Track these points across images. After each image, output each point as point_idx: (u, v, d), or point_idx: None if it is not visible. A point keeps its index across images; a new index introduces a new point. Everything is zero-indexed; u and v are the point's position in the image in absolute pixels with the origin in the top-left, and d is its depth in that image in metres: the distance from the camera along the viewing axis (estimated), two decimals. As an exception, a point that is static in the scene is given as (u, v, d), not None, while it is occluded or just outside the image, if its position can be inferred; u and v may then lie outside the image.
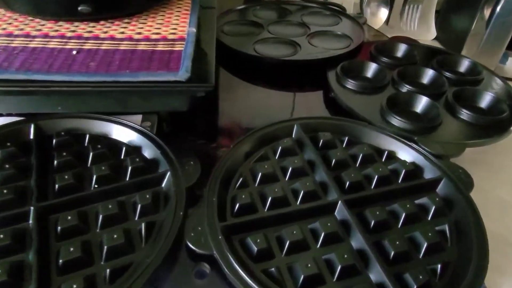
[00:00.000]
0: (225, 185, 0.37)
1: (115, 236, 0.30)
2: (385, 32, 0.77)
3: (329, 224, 0.33)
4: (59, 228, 0.31)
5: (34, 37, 0.42)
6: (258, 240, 0.31)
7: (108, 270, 0.28)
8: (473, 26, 0.77)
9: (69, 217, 0.31)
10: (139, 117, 0.44)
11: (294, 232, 0.32)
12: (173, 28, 0.46)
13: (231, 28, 0.63)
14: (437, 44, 0.81)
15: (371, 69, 0.53)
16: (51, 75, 0.37)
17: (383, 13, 0.76)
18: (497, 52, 0.77)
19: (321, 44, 0.59)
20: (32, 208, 0.31)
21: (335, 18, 0.68)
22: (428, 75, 0.52)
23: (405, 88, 0.50)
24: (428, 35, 0.81)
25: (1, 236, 0.29)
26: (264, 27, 0.63)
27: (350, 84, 0.51)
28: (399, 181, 0.38)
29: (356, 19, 0.66)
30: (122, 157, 0.38)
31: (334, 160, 0.39)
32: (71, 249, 0.29)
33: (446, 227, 0.34)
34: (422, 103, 0.47)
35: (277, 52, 0.56)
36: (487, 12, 0.77)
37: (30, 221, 0.31)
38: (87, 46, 0.41)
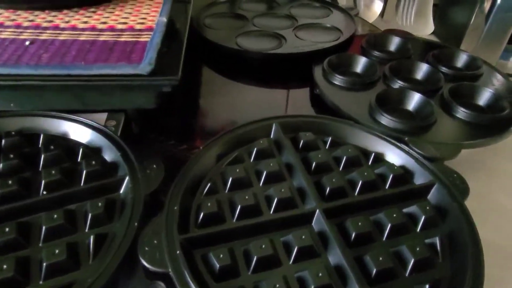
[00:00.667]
0: (191, 191, 0.33)
1: (56, 251, 0.26)
2: (379, 26, 0.73)
3: (303, 237, 0.29)
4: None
5: (-14, 27, 0.39)
6: (221, 255, 0.27)
7: (44, 292, 0.24)
8: (472, 21, 0.73)
9: (7, 229, 0.27)
10: (103, 116, 0.40)
11: (263, 246, 0.28)
12: (142, 18, 0.42)
13: (214, 21, 0.59)
14: (434, 39, 0.77)
15: (361, 63, 0.49)
16: (-4, 68, 0.33)
17: (378, 6, 0.72)
18: (498, 48, 0.73)
19: (309, 37, 0.55)
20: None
21: (325, 10, 0.64)
22: (422, 70, 0.48)
23: (397, 84, 0.46)
24: (425, 29, 0.77)
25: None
26: (249, 19, 0.59)
27: (337, 79, 0.47)
28: (386, 187, 0.34)
29: (348, 11, 0.62)
30: (78, 159, 0.35)
31: (314, 163, 0.35)
32: (4, 266, 0.25)
33: (437, 240, 0.30)
34: (414, 100, 0.43)
35: (260, 46, 0.52)
36: (487, 6, 0.73)
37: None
38: (43, 37, 0.38)
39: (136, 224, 0.29)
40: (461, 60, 0.52)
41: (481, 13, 0.73)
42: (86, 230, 0.29)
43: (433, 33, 0.78)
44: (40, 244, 0.28)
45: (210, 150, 0.36)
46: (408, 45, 0.54)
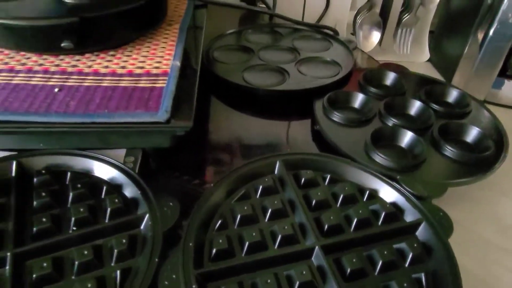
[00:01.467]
0: (204, 226, 0.37)
1: (88, 285, 0.30)
2: (377, 54, 0.77)
3: (304, 272, 0.32)
4: (34, 276, 0.31)
5: (18, 72, 0.43)
6: (232, 290, 0.31)
7: (79, 323, 0.28)
8: (466, 49, 0.76)
9: (44, 264, 0.31)
10: (122, 152, 0.44)
11: (269, 280, 0.32)
12: (157, 62, 0.46)
13: (222, 54, 0.63)
14: (430, 66, 0.80)
15: (358, 100, 0.53)
16: (28, 116, 0.37)
17: (376, 36, 0.76)
18: (490, 76, 0.76)
19: (310, 72, 0.59)
20: (8, 254, 0.32)
21: (326, 43, 0.68)
22: (415, 107, 0.52)
23: (391, 121, 0.50)
24: (421, 56, 0.81)
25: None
26: (255, 52, 0.63)
27: (336, 116, 0.50)
28: (379, 223, 0.38)
29: (347, 44, 0.66)
30: (102, 196, 0.38)
31: (314, 201, 0.39)
32: (43, 300, 0.29)
33: (423, 276, 0.33)
34: (407, 138, 0.47)
35: (265, 81, 0.56)
36: (480, 36, 0.77)
37: (7, 267, 0.31)
38: (70, 83, 0.42)
39: (156, 260, 0.32)
40: (452, 96, 0.56)
41: (475, 43, 0.76)
42: (112, 264, 0.33)
43: (428, 60, 0.82)
44: (73, 277, 0.32)
45: (220, 187, 0.40)
46: (402, 80, 0.58)
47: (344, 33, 0.81)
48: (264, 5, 0.78)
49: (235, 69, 0.58)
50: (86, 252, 0.32)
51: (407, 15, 0.76)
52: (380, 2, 0.76)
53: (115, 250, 0.33)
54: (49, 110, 0.38)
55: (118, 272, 0.32)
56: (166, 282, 0.31)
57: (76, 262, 0.32)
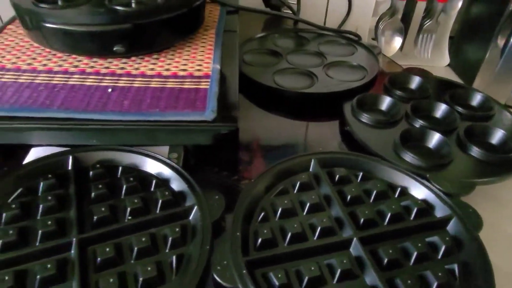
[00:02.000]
0: (247, 219, 0.39)
1: (149, 268, 0.33)
2: (399, 59, 0.79)
3: (344, 261, 0.35)
4: (98, 259, 0.34)
5: (72, 73, 0.46)
6: (279, 275, 0.34)
7: (144, 301, 0.31)
8: (488, 55, 0.78)
9: (107, 249, 0.34)
10: (166, 149, 0.47)
11: (312, 268, 0.34)
12: (198, 65, 0.49)
13: (252, 58, 0.66)
14: (450, 71, 0.83)
15: (385, 102, 0.56)
16: (88, 114, 0.40)
17: (398, 41, 0.79)
18: (511, 81, 0.78)
19: (337, 76, 0.61)
20: (74, 239, 0.35)
21: (351, 48, 0.71)
22: (440, 109, 0.55)
23: (418, 123, 0.52)
24: (441, 61, 0.83)
25: (48, 266, 0.32)
26: (283, 56, 0.66)
27: (365, 118, 0.53)
28: (411, 218, 0.40)
29: (371, 49, 0.69)
30: (152, 189, 0.41)
31: (349, 196, 0.42)
32: (110, 280, 0.32)
33: (456, 267, 0.36)
34: (434, 139, 0.49)
35: (295, 84, 0.59)
36: (501, 41, 0.78)
37: (72, 252, 0.34)
38: (121, 84, 0.45)
39: (207, 247, 0.35)
40: (476, 100, 0.58)
41: (496, 48, 0.78)
42: (167, 251, 0.36)
43: (448, 65, 0.84)
44: (132, 262, 0.35)
45: (260, 182, 0.43)
46: (427, 84, 0.60)
47: (366, 38, 0.83)
48: (290, 11, 0.81)
49: (266, 72, 0.61)
50: (144, 239, 0.35)
51: (429, 21, 0.78)
52: (402, 9, 0.78)
53: (170, 238, 0.36)
54: (105, 108, 0.41)
55: (174, 257, 0.34)
56: (219, 267, 0.34)
57: (136, 248, 0.35)
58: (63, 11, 0.43)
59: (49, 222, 0.36)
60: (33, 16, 0.44)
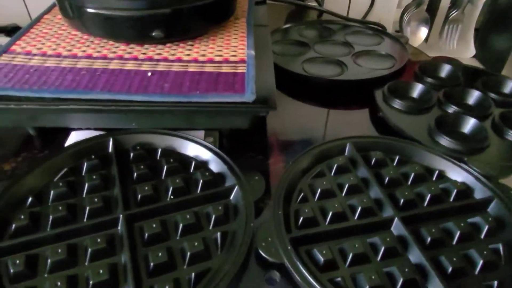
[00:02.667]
0: (286, 200, 0.40)
1: (195, 243, 0.34)
2: (424, 50, 0.79)
3: (388, 239, 0.35)
4: (146, 234, 0.34)
5: (111, 59, 0.47)
6: (324, 252, 0.34)
7: (193, 274, 0.32)
8: (514, 45, 0.77)
9: (154, 225, 0.35)
10: (202, 133, 0.47)
11: (356, 245, 0.34)
12: (233, 51, 0.50)
13: (280, 48, 0.66)
14: (475, 62, 0.82)
15: (417, 89, 0.56)
16: (131, 96, 0.41)
17: (423, 32, 0.78)
18: (539, 71, 0.77)
19: (366, 64, 0.61)
20: (121, 215, 0.35)
21: (378, 38, 0.71)
22: (474, 96, 0.54)
23: (452, 109, 0.52)
24: (467, 53, 0.83)
25: (98, 240, 0.33)
26: (311, 46, 0.66)
27: (398, 104, 0.53)
28: (451, 200, 0.40)
29: (399, 39, 0.69)
30: (191, 170, 0.42)
31: (387, 178, 0.42)
32: (159, 254, 0.32)
33: (500, 246, 0.35)
34: (470, 124, 0.49)
35: (325, 72, 0.59)
36: (528, 32, 0.78)
37: (119, 228, 0.35)
38: (160, 68, 0.45)
39: (252, 224, 0.36)
40: (509, 87, 0.57)
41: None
42: (210, 228, 0.36)
43: (474, 56, 0.83)
44: (177, 238, 0.35)
45: (297, 165, 0.43)
46: (458, 72, 0.60)
47: (390, 30, 0.83)
48: (316, 3, 0.81)
49: (295, 61, 0.61)
50: (188, 216, 0.36)
51: (455, 12, 0.77)
52: (428, -1, 0.78)
53: (213, 216, 0.36)
54: (147, 91, 0.42)
55: (219, 234, 0.35)
56: (263, 244, 0.34)
57: (181, 225, 0.35)
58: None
59: (96, 200, 0.37)
60: (75, 2, 0.45)
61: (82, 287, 0.31)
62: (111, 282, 0.31)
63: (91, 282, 0.30)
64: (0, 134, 0.48)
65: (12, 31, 0.80)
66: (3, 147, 0.46)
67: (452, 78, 0.59)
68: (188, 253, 0.33)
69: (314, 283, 0.31)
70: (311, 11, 0.85)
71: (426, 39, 0.81)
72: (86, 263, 0.32)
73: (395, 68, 0.60)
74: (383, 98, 0.55)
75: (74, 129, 0.47)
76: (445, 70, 0.61)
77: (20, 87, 0.41)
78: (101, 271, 0.31)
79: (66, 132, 0.46)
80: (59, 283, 0.30)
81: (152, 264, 0.32)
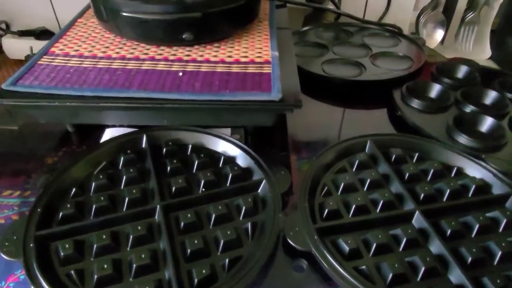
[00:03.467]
0: (311, 193, 0.42)
1: (228, 232, 0.36)
2: (440, 51, 0.80)
3: (409, 231, 0.37)
4: (182, 223, 0.37)
5: (144, 60, 0.50)
6: (349, 241, 0.36)
7: (227, 260, 0.34)
8: (530, 47, 0.78)
9: (189, 215, 0.37)
10: (228, 130, 0.50)
11: (379, 236, 0.36)
12: (258, 52, 0.52)
13: (299, 49, 0.68)
14: (491, 63, 0.83)
15: (435, 89, 0.57)
16: (165, 94, 0.44)
17: (439, 34, 0.80)
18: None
19: (384, 65, 0.63)
20: (158, 206, 0.38)
21: (395, 40, 0.72)
22: (491, 96, 0.56)
23: (469, 108, 0.53)
24: (483, 54, 0.84)
25: (139, 227, 0.36)
26: (329, 48, 0.68)
27: (416, 103, 0.55)
28: (470, 195, 0.42)
29: (415, 41, 0.70)
30: (220, 165, 0.44)
31: (407, 174, 0.44)
32: (195, 241, 0.35)
33: (518, 239, 0.37)
34: (487, 123, 0.50)
35: (344, 73, 0.61)
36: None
37: (156, 217, 0.38)
38: (189, 68, 0.48)
39: (280, 215, 0.38)
40: (525, 87, 0.59)
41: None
42: (241, 219, 0.39)
43: (490, 58, 0.84)
44: (211, 227, 0.38)
45: (321, 160, 0.45)
46: (475, 73, 0.61)
47: (406, 31, 0.85)
48: (332, 5, 0.83)
49: (314, 63, 0.63)
50: (220, 207, 0.38)
51: (471, 14, 0.79)
52: (444, 1, 0.79)
53: (243, 208, 0.39)
54: (179, 89, 0.44)
55: (249, 224, 0.37)
56: (291, 233, 0.37)
57: (213, 215, 0.38)
58: (138, 1, 0.46)
59: (134, 191, 0.39)
60: (110, 6, 0.48)
61: (125, 270, 0.33)
62: (153, 266, 0.33)
63: (134, 265, 0.33)
64: (41, 131, 0.51)
65: (41, 34, 0.84)
66: (45, 143, 0.49)
67: (469, 79, 0.61)
68: (222, 241, 0.35)
69: (341, 270, 0.33)
70: (328, 14, 0.87)
71: (442, 41, 0.82)
72: (128, 249, 0.35)
73: (413, 69, 0.62)
74: (401, 98, 0.56)
75: (108, 126, 0.49)
76: (462, 70, 0.62)
77: (63, 85, 0.44)
78: (143, 255, 0.33)
79: (101, 128, 0.49)
80: (105, 266, 0.33)
81: (189, 250, 0.34)
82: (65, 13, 0.89)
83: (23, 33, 0.84)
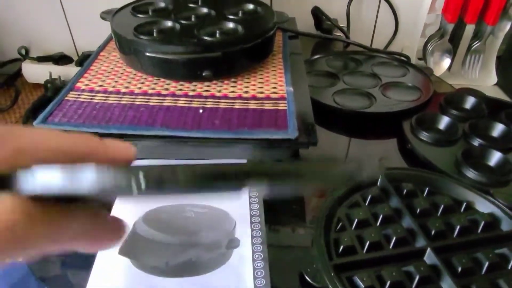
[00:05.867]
0: (326, 227, 0.44)
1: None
2: (446, 78, 0.82)
3: (422, 268, 0.39)
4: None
5: (165, 96, 0.52)
6: (364, 279, 0.38)
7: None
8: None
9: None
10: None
11: (394, 273, 0.38)
12: (273, 87, 0.55)
13: (310, 79, 0.71)
14: (497, 90, 0.85)
15: (443, 121, 0.59)
16: (187, 132, 0.46)
17: (446, 62, 0.82)
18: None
19: (394, 96, 0.65)
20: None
21: (403, 69, 0.75)
22: (498, 129, 0.58)
23: (477, 141, 0.55)
24: (489, 80, 0.86)
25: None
26: (340, 77, 0.71)
27: (425, 136, 0.57)
28: (479, 231, 0.43)
29: (423, 71, 0.73)
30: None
31: (418, 209, 0.45)
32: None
33: (527, 277, 0.39)
34: (495, 157, 0.52)
35: (355, 104, 0.63)
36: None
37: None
38: (209, 105, 0.50)
39: None
40: (531, 119, 0.60)
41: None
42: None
43: (496, 84, 0.86)
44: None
45: (334, 195, 0.47)
46: (482, 104, 0.63)
47: (414, 58, 0.87)
48: (341, 33, 0.86)
49: (326, 93, 0.66)
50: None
51: (477, 43, 0.81)
52: (450, 30, 0.81)
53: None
54: (200, 127, 0.46)
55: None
56: (309, 270, 0.38)
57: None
58: (161, 42, 0.49)
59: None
60: (134, 46, 0.51)
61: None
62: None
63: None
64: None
65: (59, 59, 0.88)
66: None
67: (476, 110, 0.63)
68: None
69: (358, 307, 0.35)
70: (337, 42, 0.90)
71: (449, 68, 0.84)
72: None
73: (422, 100, 0.64)
74: (411, 130, 0.58)
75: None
76: (469, 102, 0.64)
77: (90, 122, 0.47)
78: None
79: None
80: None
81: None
82: (82, 39, 0.93)
83: (42, 59, 0.88)
